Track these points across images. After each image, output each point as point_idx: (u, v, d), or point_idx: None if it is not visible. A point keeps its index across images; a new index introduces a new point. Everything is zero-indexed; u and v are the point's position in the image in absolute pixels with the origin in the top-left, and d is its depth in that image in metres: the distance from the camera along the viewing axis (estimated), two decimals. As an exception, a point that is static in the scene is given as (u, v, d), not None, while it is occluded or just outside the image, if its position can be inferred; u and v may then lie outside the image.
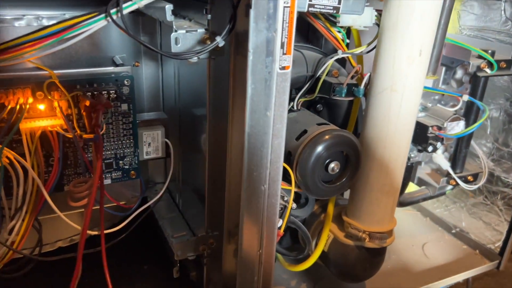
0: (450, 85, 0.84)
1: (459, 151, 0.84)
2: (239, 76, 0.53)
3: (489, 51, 0.76)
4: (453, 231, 0.98)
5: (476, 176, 0.88)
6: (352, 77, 0.68)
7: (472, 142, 0.90)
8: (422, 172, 0.90)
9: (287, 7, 0.46)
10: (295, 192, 0.76)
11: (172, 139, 0.83)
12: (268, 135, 0.51)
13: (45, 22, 0.58)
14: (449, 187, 0.87)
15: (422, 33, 0.58)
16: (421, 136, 0.72)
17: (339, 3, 0.50)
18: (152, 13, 0.60)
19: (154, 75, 0.81)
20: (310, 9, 0.49)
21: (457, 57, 0.79)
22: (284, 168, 0.62)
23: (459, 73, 0.82)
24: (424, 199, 0.88)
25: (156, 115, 0.71)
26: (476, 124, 0.73)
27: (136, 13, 0.60)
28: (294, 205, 0.64)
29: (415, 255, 0.91)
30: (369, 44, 0.66)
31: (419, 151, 0.74)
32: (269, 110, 0.50)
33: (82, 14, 0.47)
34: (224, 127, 0.58)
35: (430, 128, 0.70)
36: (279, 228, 0.63)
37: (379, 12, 0.62)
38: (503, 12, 0.82)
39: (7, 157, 0.52)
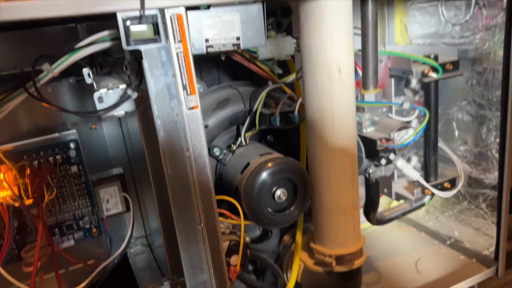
0: (407, 95, 0.84)
1: (428, 158, 0.82)
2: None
3: (432, 56, 0.76)
4: (448, 242, 0.94)
5: (454, 182, 0.85)
6: (290, 105, 0.69)
7: (445, 147, 0.89)
8: (399, 186, 0.89)
9: (180, 52, 0.49)
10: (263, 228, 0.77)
11: (139, 192, 0.86)
12: (192, 174, 0.53)
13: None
14: (427, 197, 0.85)
15: (337, 52, 0.59)
16: (372, 151, 0.71)
17: (238, 39, 0.53)
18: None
19: (116, 135, 0.85)
20: (208, 49, 0.52)
21: (403, 67, 0.80)
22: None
23: (413, 82, 0.82)
24: (404, 214, 0.86)
25: (112, 171, 0.74)
26: (418, 130, 0.72)
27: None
28: (248, 239, 0.64)
29: (407, 273, 0.87)
30: (297, 71, 0.68)
31: (376, 166, 0.74)
32: (188, 150, 0.52)
33: (1, 92, 0.51)
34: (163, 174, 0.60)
35: (378, 141, 0.70)
36: (235, 265, 0.63)
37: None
38: (442, 16, 0.83)
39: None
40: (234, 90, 0.71)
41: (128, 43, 0.46)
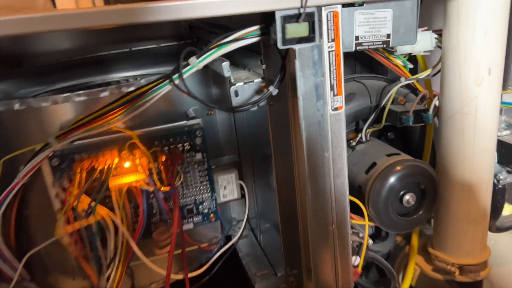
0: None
1: None
2: (297, 119, 0.55)
3: None
4: None
5: None
6: (421, 103, 0.65)
7: None
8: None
9: (332, 51, 0.47)
10: (375, 226, 0.75)
11: (247, 179, 0.87)
12: (329, 175, 0.52)
13: (125, 90, 0.66)
14: (556, 206, 0.78)
15: (488, 51, 0.54)
16: (508, 156, 0.66)
17: (388, 37, 0.50)
18: (215, 67, 0.64)
19: (228, 121, 0.85)
20: (357, 48, 0.49)
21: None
22: (356, 203, 0.62)
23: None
24: (528, 222, 0.80)
25: (230, 159, 0.75)
26: None
27: (205, 66, 0.65)
28: (371, 242, 0.63)
29: (524, 285, 0.82)
30: (434, 67, 0.63)
31: (509, 172, 0.68)
32: (327, 151, 0.51)
33: (148, 83, 0.53)
34: (290, 167, 0.60)
35: (517, 147, 0.64)
36: (357, 266, 0.62)
37: (439, 33, 0.60)
38: None
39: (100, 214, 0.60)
40: (359, 84, 0.68)
41: (284, 43, 0.45)
